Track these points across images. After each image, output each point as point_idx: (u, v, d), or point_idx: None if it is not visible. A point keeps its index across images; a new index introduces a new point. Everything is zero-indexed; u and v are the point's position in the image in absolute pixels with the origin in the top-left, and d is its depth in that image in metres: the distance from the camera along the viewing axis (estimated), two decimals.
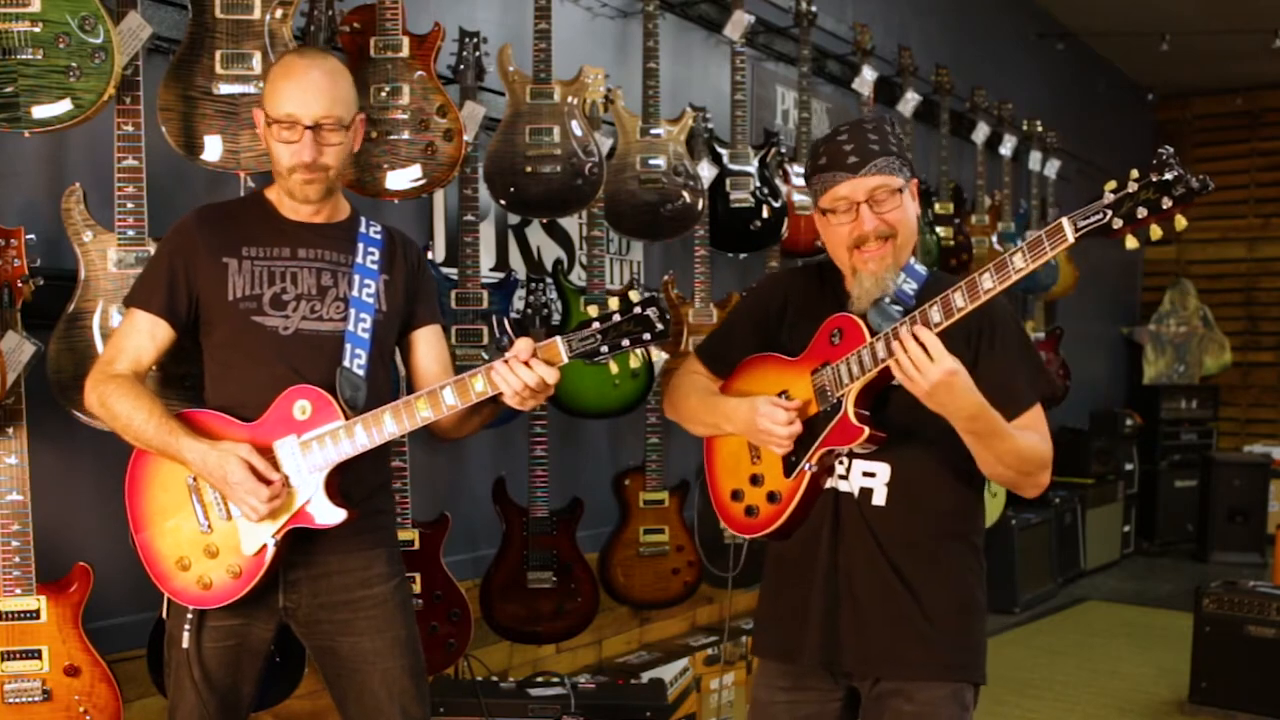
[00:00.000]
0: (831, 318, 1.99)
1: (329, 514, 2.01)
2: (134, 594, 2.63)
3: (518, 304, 3.42)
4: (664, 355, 1.93)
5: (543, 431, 3.34)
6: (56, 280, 2.36)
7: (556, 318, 3.47)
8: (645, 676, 3.39)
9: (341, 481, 2.04)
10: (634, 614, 4.05)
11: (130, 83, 2.36)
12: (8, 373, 2.21)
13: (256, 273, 2.07)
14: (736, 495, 2.12)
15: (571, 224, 3.89)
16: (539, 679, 3.12)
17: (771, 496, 2.05)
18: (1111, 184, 1.69)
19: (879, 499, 1.99)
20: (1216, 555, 7.34)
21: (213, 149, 2.48)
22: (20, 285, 2.25)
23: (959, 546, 2.04)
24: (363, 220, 2.19)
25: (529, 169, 3.17)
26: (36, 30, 2.21)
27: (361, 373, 2.07)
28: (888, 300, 1.97)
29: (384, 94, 2.77)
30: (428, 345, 2.24)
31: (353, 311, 2.09)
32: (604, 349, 1.93)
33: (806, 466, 1.99)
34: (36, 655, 2.28)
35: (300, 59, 2.10)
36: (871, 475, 2.00)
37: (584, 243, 3.72)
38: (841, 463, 2.02)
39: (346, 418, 2.01)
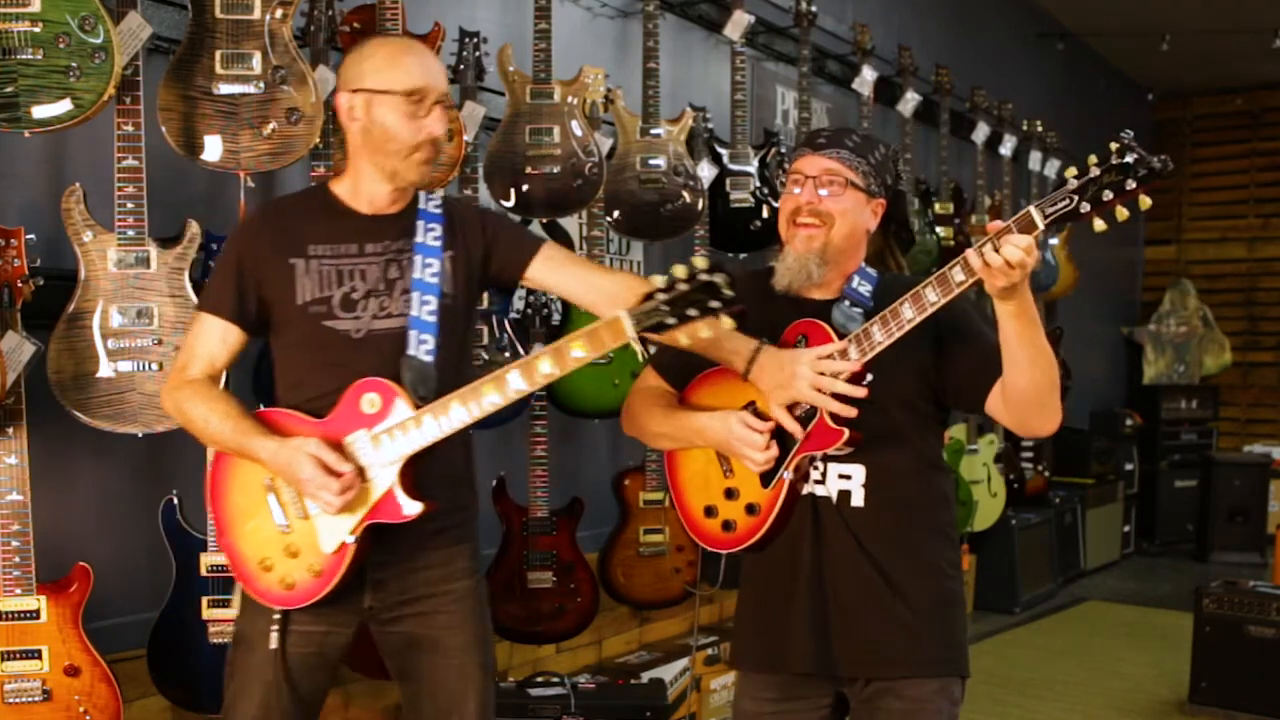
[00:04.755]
0: (796, 323, 1.99)
1: (405, 507, 1.95)
2: (134, 594, 2.64)
3: (518, 304, 3.42)
4: (731, 323, 1.82)
5: (543, 431, 3.34)
6: (56, 280, 2.36)
7: (556, 318, 3.48)
8: (645, 676, 3.39)
9: (420, 474, 1.97)
10: (634, 614, 4.05)
11: (130, 83, 2.36)
12: (8, 373, 2.21)
13: (324, 273, 2.00)
14: (710, 511, 2.10)
15: (571, 224, 3.89)
16: (539, 679, 3.12)
17: (750, 509, 2.04)
18: (1073, 170, 1.73)
19: (857, 500, 1.99)
20: (1216, 555, 7.34)
21: (213, 149, 2.48)
22: (20, 285, 2.25)
23: (936, 539, 2.05)
24: (422, 196, 2.09)
25: (529, 169, 3.18)
26: (36, 30, 2.21)
27: (429, 359, 1.98)
28: (847, 304, 2.00)
29: None
30: (554, 268, 2.10)
31: (415, 295, 2.00)
32: (670, 320, 1.78)
33: (785, 474, 1.98)
34: (36, 655, 2.28)
35: (399, 38, 2.05)
36: (847, 478, 2.00)
37: (584, 243, 3.72)
38: (816, 467, 2.01)
39: (415, 408, 1.94)
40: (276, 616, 2.00)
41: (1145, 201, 1.71)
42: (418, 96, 1.96)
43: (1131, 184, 1.69)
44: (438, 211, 2.06)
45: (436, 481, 2.01)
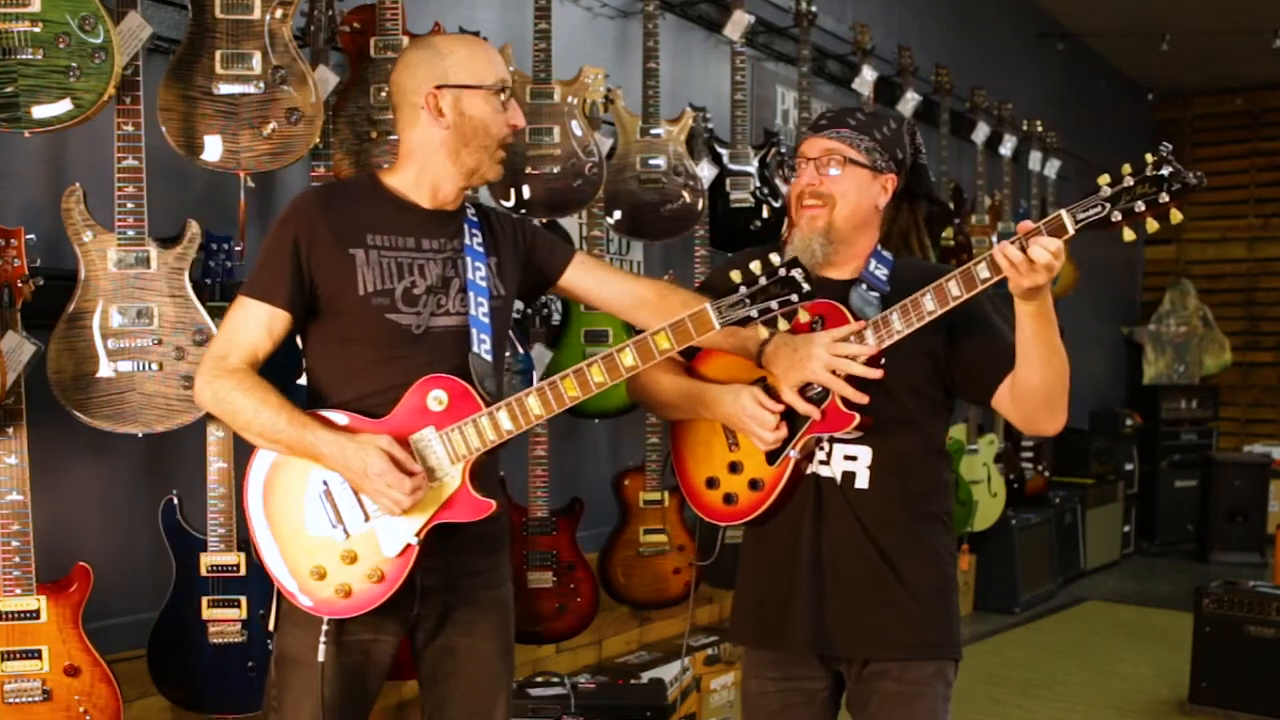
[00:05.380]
0: (811, 304, 2.00)
1: (474, 508, 1.92)
2: (134, 594, 2.64)
3: (517, 304, 3.42)
4: (808, 316, 1.90)
5: (543, 431, 3.34)
6: (56, 280, 2.36)
7: (556, 318, 3.48)
8: (645, 676, 3.39)
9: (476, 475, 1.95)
10: (634, 614, 4.05)
11: (130, 83, 2.36)
12: (8, 373, 2.21)
13: (385, 264, 1.95)
14: (712, 483, 2.11)
15: (571, 224, 3.89)
16: (539, 679, 3.12)
17: (754, 484, 2.05)
18: (1105, 177, 1.73)
19: (862, 482, 2.01)
20: (1216, 555, 7.34)
21: (213, 149, 2.48)
22: (20, 285, 2.25)
23: (935, 525, 2.07)
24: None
25: (529, 169, 3.18)
26: (36, 30, 2.21)
27: (489, 358, 1.99)
28: (864, 287, 2.01)
29: (384, 94, 2.77)
30: (586, 273, 2.16)
31: (472, 296, 2.00)
32: (753, 314, 1.85)
33: (791, 453, 1.99)
34: (36, 655, 2.27)
35: (462, 35, 2.08)
36: (853, 459, 2.02)
37: (584, 243, 3.72)
38: (822, 448, 2.03)
39: (486, 404, 1.92)
40: (325, 628, 1.93)
41: (1176, 215, 1.71)
42: (503, 89, 1.99)
43: (1165, 197, 1.69)
44: (475, 218, 2.08)
45: (486, 481, 1.99)
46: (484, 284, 2.03)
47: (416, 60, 2.02)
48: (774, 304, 1.84)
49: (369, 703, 2.07)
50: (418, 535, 1.91)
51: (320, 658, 1.93)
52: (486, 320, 2.01)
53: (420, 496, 1.88)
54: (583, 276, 2.17)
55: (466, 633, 2.06)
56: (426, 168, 2.01)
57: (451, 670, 2.08)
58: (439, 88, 1.97)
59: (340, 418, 1.94)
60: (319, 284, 1.95)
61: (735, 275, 1.85)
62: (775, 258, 1.84)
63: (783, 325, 1.88)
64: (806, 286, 1.83)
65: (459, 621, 2.06)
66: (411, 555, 1.91)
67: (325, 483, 1.93)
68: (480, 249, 2.05)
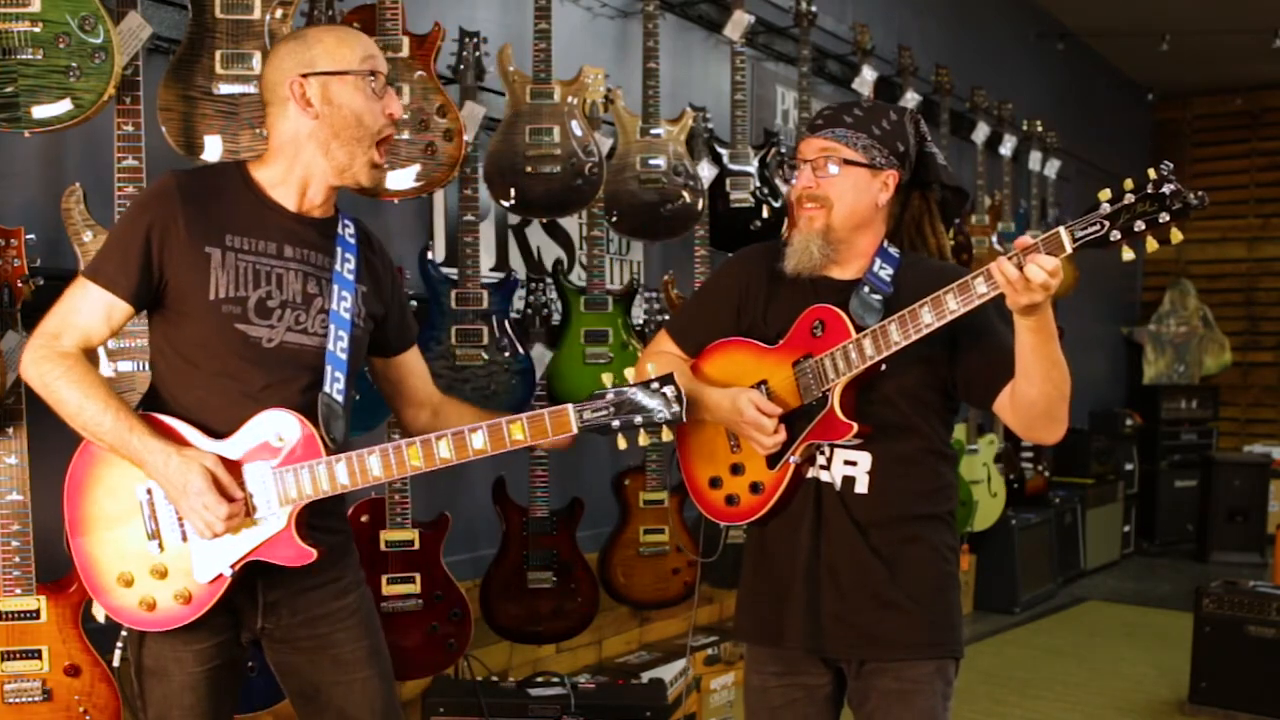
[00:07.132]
0: (812, 308, 2.01)
1: (295, 554, 1.85)
2: None
3: (518, 304, 3.42)
4: (669, 436, 1.91)
5: None
6: (56, 280, 2.35)
7: (556, 318, 3.48)
8: (645, 676, 3.39)
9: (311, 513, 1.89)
10: (634, 614, 4.05)
11: (130, 83, 2.36)
12: (8, 373, 2.21)
13: (242, 270, 1.86)
14: (715, 483, 2.13)
15: (571, 224, 3.89)
16: (539, 679, 3.12)
17: (754, 487, 2.07)
18: (1106, 193, 1.69)
19: (861, 487, 2.01)
20: (1216, 555, 7.34)
21: (213, 149, 2.48)
22: (20, 285, 2.25)
23: (936, 524, 2.06)
24: (340, 218, 2.00)
25: (529, 169, 3.17)
26: (36, 30, 2.21)
27: (340, 399, 1.90)
28: (867, 289, 2.00)
29: None
30: (418, 365, 2.16)
31: (332, 328, 1.91)
32: (615, 423, 1.84)
33: (791, 459, 2.00)
34: (36, 655, 2.28)
35: (335, 25, 1.99)
36: (853, 464, 2.02)
37: (584, 243, 3.73)
38: (823, 452, 2.03)
39: (328, 452, 1.85)
40: (124, 632, 1.90)
41: (1177, 235, 1.67)
42: (375, 75, 1.91)
43: (1165, 216, 1.66)
44: (352, 241, 1.99)
45: (319, 513, 1.93)
46: (347, 315, 1.94)
47: (284, 52, 1.93)
48: (638, 418, 1.84)
49: (231, 702, 2.01)
50: (232, 567, 1.84)
51: (115, 662, 1.90)
52: (344, 357, 1.92)
53: (235, 525, 1.81)
54: (404, 363, 2.14)
55: (324, 646, 2.00)
56: (297, 161, 1.92)
57: (319, 686, 2.02)
58: (304, 76, 1.88)
59: (175, 431, 1.84)
60: (169, 281, 1.85)
61: (606, 379, 1.88)
62: (651, 368, 1.86)
63: (644, 441, 1.90)
64: (676, 408, 1.83)
65: (315, 636, 1.99)
66: (222, 585, 1.85)
67: (150, 491, 1.86)
68: (350, 276, 1.95)
